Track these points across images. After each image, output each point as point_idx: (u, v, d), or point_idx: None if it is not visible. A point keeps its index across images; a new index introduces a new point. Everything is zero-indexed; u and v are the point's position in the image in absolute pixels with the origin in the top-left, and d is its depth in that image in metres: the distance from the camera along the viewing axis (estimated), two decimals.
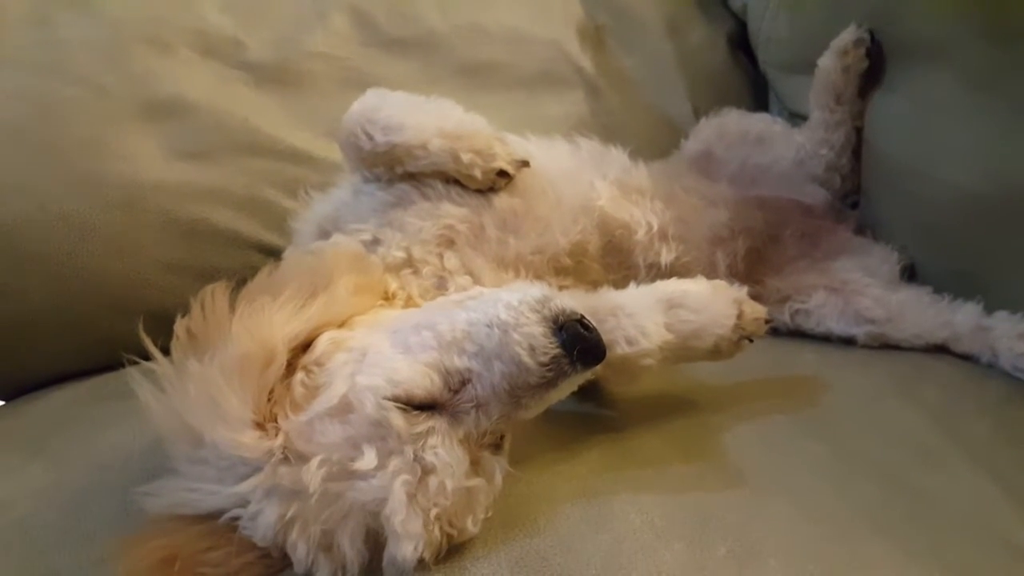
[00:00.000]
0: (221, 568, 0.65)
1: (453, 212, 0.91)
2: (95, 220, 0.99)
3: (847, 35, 1.14)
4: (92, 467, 0.86)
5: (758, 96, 1.39)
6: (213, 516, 0.65)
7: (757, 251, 1.08)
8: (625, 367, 0.79)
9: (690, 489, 0.75)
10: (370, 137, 0.89)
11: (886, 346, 1.02)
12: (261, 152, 1.08)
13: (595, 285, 0.98)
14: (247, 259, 1.04)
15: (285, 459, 0.64)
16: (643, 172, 1.06)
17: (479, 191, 0.92)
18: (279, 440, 0.65)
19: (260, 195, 1.06)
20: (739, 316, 0.82)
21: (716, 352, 0.83)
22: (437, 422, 0.66)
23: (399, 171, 0.91)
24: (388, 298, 0.85)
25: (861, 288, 1.03)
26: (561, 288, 0.95)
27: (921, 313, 1.02)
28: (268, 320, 0.71)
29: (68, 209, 0.98)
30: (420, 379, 0.67)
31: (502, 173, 0.92)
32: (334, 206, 0.94)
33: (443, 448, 0.65)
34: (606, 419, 0.85)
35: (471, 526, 0.66)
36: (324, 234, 0.93)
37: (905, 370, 0.96)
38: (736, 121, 1.25)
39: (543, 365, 0.67)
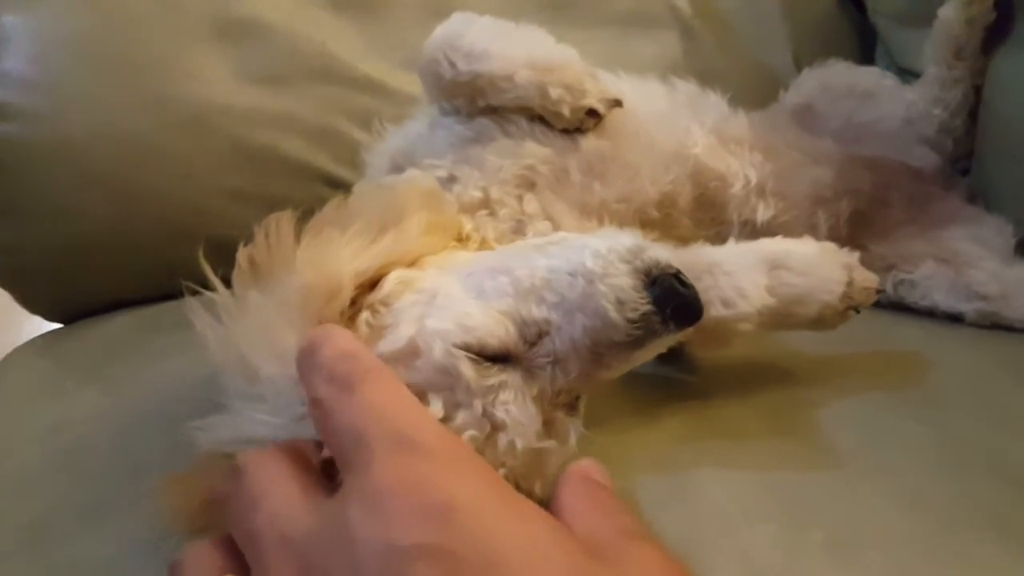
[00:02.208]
0: None
1: (536, 152, 0.84)
2: (160, 141, 0.95)
3: None
4: (147, 396, 0.83)
5: (865, 48, 1.28)
6: None
7: (862, 213, 0.99)
8: (718, 331, 0.72)
9: (780, 467, 0.68)
10: (452, 64, 0.83)
11: (996, 326, 0.93)
12: (335, 80, 1.02)
13: (684, 241, 0.91)
14: (315, 191, 0.99)
15: None
16: (743, 121, 0.98)
17: (565, 131, 0.85)
18: None
19: (332, 125, 1.01)
20: (848, 283, 0.74)
21: (820, 321, 0.75)
22: (510, 376, 0.60)
23: (481, 104, 0.84)
24: (462, 240, 0.79)
25: (974, 261, 0.94)
26: None
27: None
28: (334, 253, 0.66)
29: (134, 127, 0.94)
30: (494, 327, 0.61)
31: (592, 112, 0.84)
32: (409, 139, 0.88)
33: (515, 405, 0.59)
34: (688, 384, 0.78)
35: (539, 490, 0.61)
36: (398, 168, 0.87)
37: (1017, 351, 0.87)
38: (842, 74, 1.15)
39: (631, 322, 0.60)
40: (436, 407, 0.58)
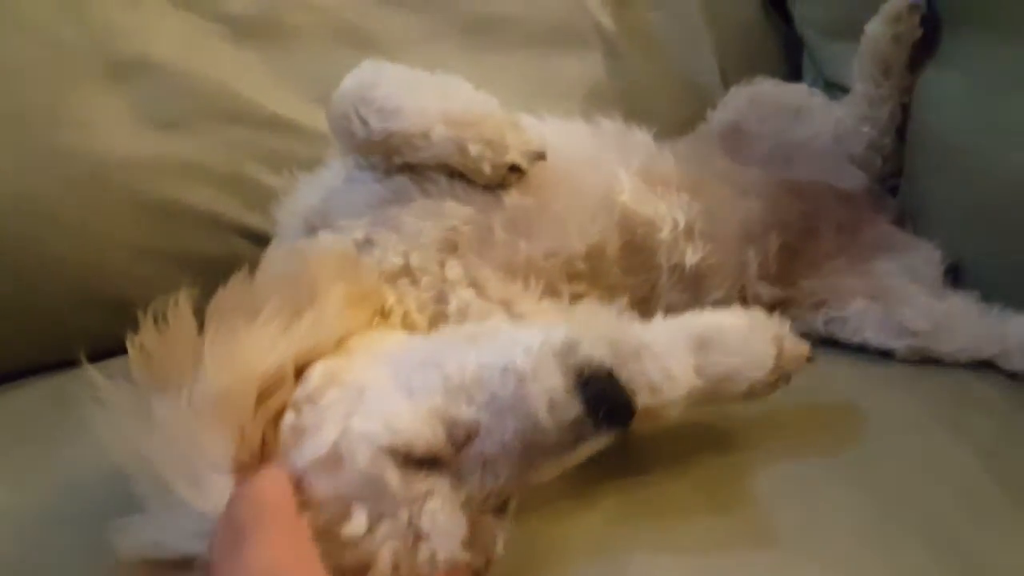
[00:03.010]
0: None
1: (457, 212, 0.80)
2: (55, 201, 0.89)
3: None
4: (56, 488, 0.78)
5: (792, 60, 1.26)
6: (188, 561, 0.57)
7: (791, 247, 0.98)
8: (647, 416, 0.70)
9: (715, 548, 0.67)
10: (364, 122, 0.78)
11: (927, 360, 0.93)
12: (241, 120, 0.96)
13: (612, 290, 0.89)
14: (228, 243, 0.94)
15: None
16: (669, 158, 0.95)
17: (487, 186, 0.82)
18: None
19: (241, 171, 0.95)
20: (778, 355, 0.73)
21: (750, 395, 0.74)
22: (438, 482, 0.58)
23: (397, 161, 0.80)
24: (384, 314, 0.76)
25: (904, 297, 0.94)
26: (574, 296, 0.86)
27: (969, 325, 0.92)
28: (246, 348, 0.62)
29: (25, 189, 0.87)
30: (423, 429, 0.58)
31: (514, 167, 0.81)
32: (323, 196, 0.83)
33: (442, 513, 0.57)
34: (624, 458, 0.76)
35: None
36: (311, 229, 0.82)
37: (949, 393, 0.87)
38: (770, 91, 1.13)
39: (563, 426, 0.58)
40: (360, 519, 0.55)
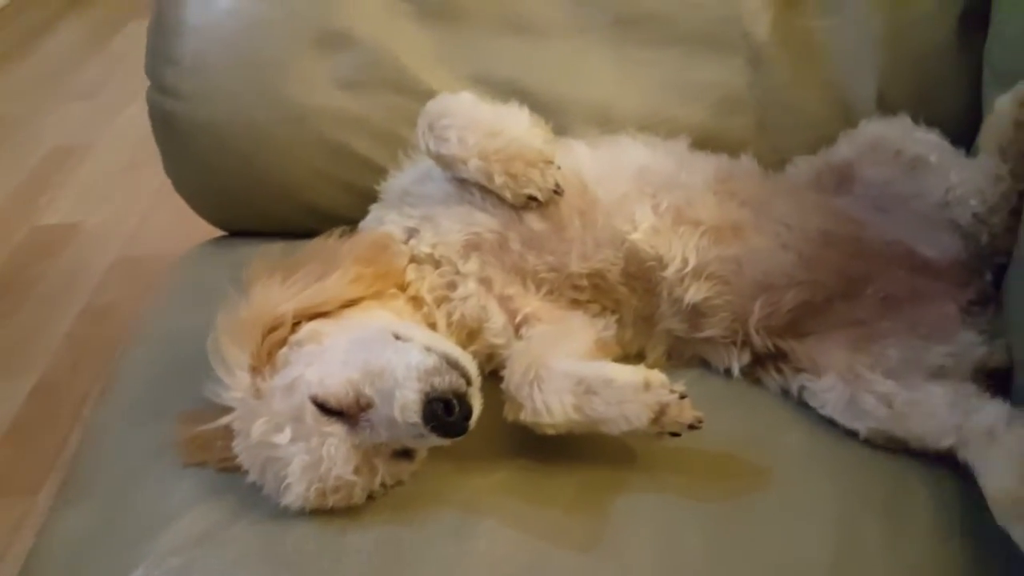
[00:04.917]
0: (223, 452, 0.96)
1: (484, 221, 1.03)
2: (272, 130, 1.26)
3: None
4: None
5: (974, 93, 1.16)
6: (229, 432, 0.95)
7: (811, 306, 1.02)
8: (535, 427, 0.91)
9: (547, 536, 0.90)
10: (427, 142, 1.02)
11: (892, 442, 0.95)
12: (403, 90, 1.23)
13: (617, 304, 1.06)
14: (376, 182, 1.24)
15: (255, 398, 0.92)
16: (711, 200, 1.04)
17: (513, 206, 1.02)
18: (260, 386, 0.92)
19: (396, 130, 1.22)
20: (655, 420, 0.87)
21: (632, 437, 0.90)
22: (338, 428, 0.88)
23: (448, 174, 1.04)
24: (403, 287, 1.04)
25: (870, 384, 0.96)
26: (575, 303, 1.04)
27: (931, 415, 0.92)
28: (273, 296, 0.96)
29: (255, 118, 1.26)
30: (339, 391, 0.88)
31: (532, 198, 1.00)
32: (409, 182, 1.11)
33: (335, 448, 0.87)
34: (538, 444, 0.96)
35: (350, 501, 0.90)
36: (401, 203, 1.10)
37: (884, 494, 0.92)
38: (896, 136, 1.09)
39: (407, 425, 0.84)
40: (287, 433, 0.88)
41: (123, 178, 2.99)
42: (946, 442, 0.92)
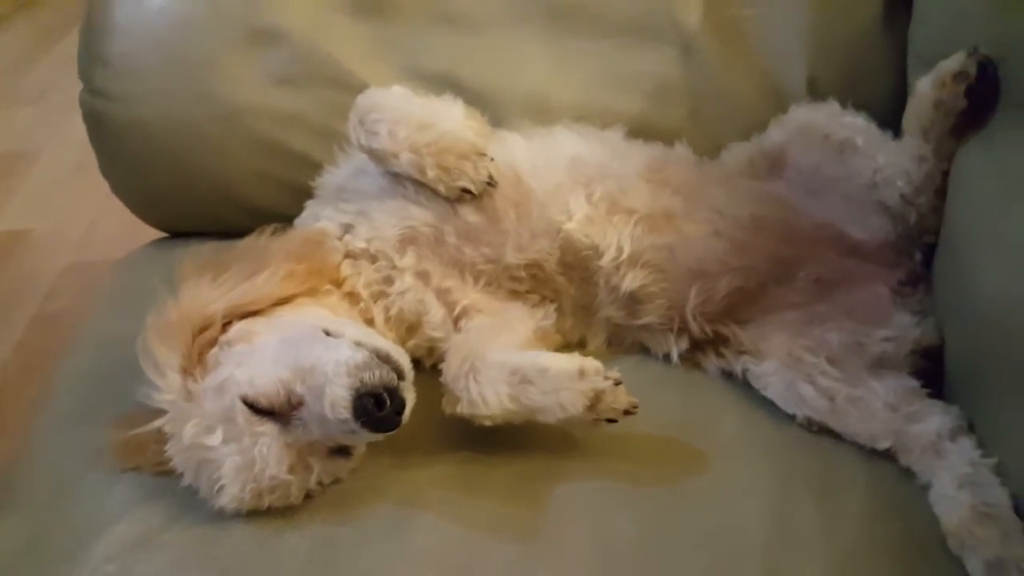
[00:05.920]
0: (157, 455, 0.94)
1: (418, 215, 1.03)
2: (205, 129, 1.24)
3: (951, 62, 0.95)
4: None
5: (902, 77, 1.16)
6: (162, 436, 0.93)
7: (745, 291, 1.03)
8: (472, 419, 0.91)
9: (485, 528, 0.90)
10: (358, 136, 1.01)
11: (829, 431, 0.97)
12: (337, 85, 1.21)
13: (556, 294, 1.07)
14: (316, 177, 1.23)
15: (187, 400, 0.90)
16: (644, 189, 1.05)
17: (447, 199, 1.02)
18: (192, 387, 0.91)
19: (332, 126, 1.19)
20: (590, 407, 0.87)
21: (568, 425, 0.91)
22: (271, 427, 0.87)
23: (382, 168, 1.03)
24: (338, 284, 1.03)
25: (812, 374, 0.97)
26: (514, 294, 1.05)
27: (871, 416, 0.94)
28: (202, 296, 0.95)
29: (186, 117, 1.24)
30: (270, 390, 0.87)
31: (465, 190, 1.00)
32: (343, 178, 1.10)
33: (267, 447, 0.87)
34: (480, 436, 0.95)
35: (286, 501, 0.89)
36: (337, 199, 1.09)
37: (820, 475, 0.93)
38: (824, 121, 1.10)
39: (337, 421, 0.84)
40: (218, 435, 0.87)
41: (72, 183, 2.93)
42: (883, 444, 0.94)
